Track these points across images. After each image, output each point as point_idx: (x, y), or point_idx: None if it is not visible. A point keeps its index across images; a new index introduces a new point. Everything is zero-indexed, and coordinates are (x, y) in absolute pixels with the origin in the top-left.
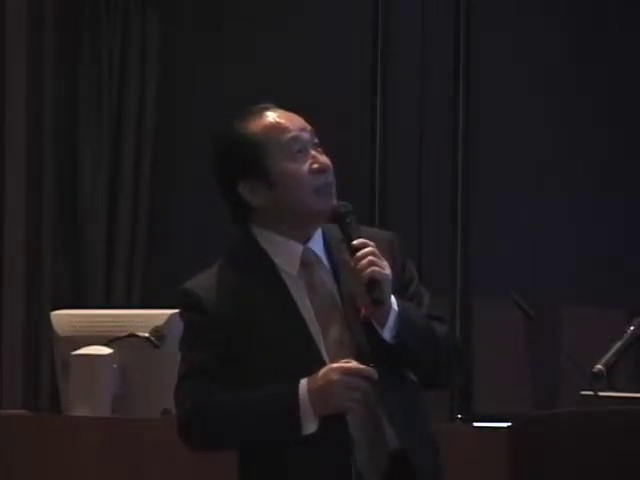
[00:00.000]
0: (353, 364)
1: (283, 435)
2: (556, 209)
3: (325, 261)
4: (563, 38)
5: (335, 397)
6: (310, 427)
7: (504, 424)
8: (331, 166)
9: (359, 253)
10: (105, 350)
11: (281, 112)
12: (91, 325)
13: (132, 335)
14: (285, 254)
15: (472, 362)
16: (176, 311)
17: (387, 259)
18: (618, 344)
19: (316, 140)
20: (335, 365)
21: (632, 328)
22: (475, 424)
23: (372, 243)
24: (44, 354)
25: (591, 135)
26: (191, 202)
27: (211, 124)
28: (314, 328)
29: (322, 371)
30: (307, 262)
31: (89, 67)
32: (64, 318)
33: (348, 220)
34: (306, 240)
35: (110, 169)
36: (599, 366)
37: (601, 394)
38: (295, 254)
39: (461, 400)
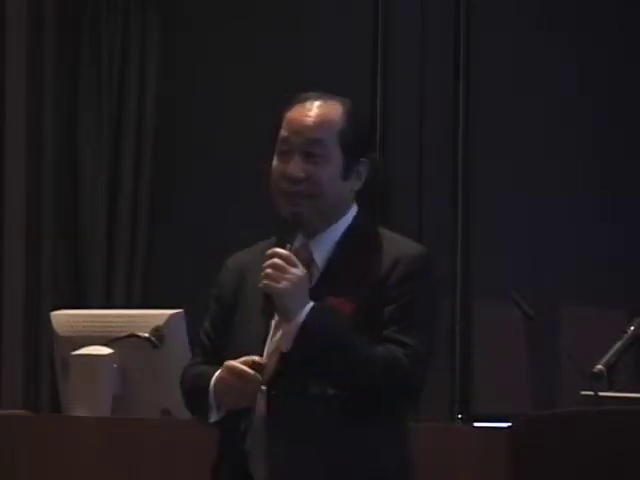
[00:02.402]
0: (241, 367)
1: (202, 418)
2: (556, 209)
3: (322, 260)
4: (563, 38)
5: (227, 396)
6: (214, 415)
7: (504, 424)
8: (308, 178)
9: (264, 264)
10: (105, 350)
11: (304, 108)
12: (91, 325)
13: (132, 335)
14: (295, 245)
15: (472, 362)
16: (176, 311)
17: (382, 274)
18: (618, 344)
19: (311, 149)
20: (232, 363)
21: (632, 328)
22: (475, 424)
23: (285, 253)
24: (44, 354)
25: (591, 135)
26: (191, 202)
27: (211, 124)
28: (275, 322)
29: (225, 364)
30: (299, 259)
31: (89, 67)
32: (64, 318)
33: (287, 228)
34: (313, 236)
35: (110, 169)
36: (599, 366)
37: (601, 394)
38: (295, 247)
39: (461, 400)
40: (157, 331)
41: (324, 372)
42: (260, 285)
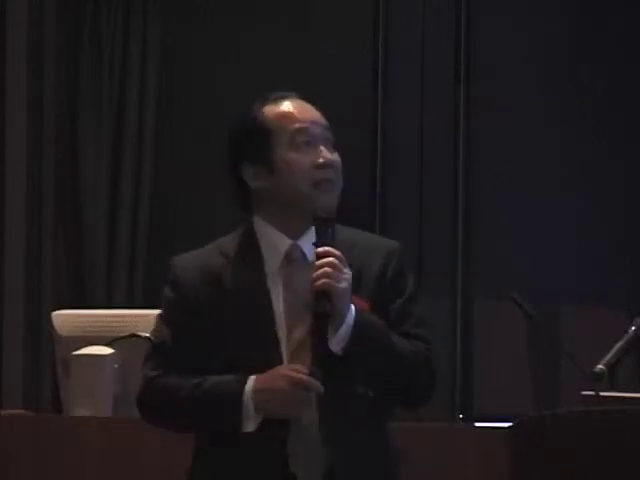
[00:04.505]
0: (301, 375)
1: (224, 427)
2: (556, 209)
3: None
4: (563, 38)
5: (278, 404)
6: (249, 425)
7: (504, 424)
8: (338, 164)
9: (318, 262)
10: (106, 350)
11: (298, 102)
12: (92, 325)
13: (133, 335)
14: (272, 246)
15: (472, 362)
16: None
17: (377, 269)
18: (619, 344)
19: (329, 136)
20: (285, 371)
21: (633, 328)
22: (475, 424)
23: (337, 253)
24: (44, 354)
25: (591, 135)
26: (191, 202)
27: (211, 124)
28: (281, 326)
29: (271, 372)
30: (291, 259)
31: (89, 67)
32: (65, 318)
33: (324, 227)
34: (298, 236)
35: (110, 169)
36: (600, 366)
37: (602, 394)
38: (281, 248)
39: (461, 400)
40: None
41: (368, 372)
42: (317, 284)
